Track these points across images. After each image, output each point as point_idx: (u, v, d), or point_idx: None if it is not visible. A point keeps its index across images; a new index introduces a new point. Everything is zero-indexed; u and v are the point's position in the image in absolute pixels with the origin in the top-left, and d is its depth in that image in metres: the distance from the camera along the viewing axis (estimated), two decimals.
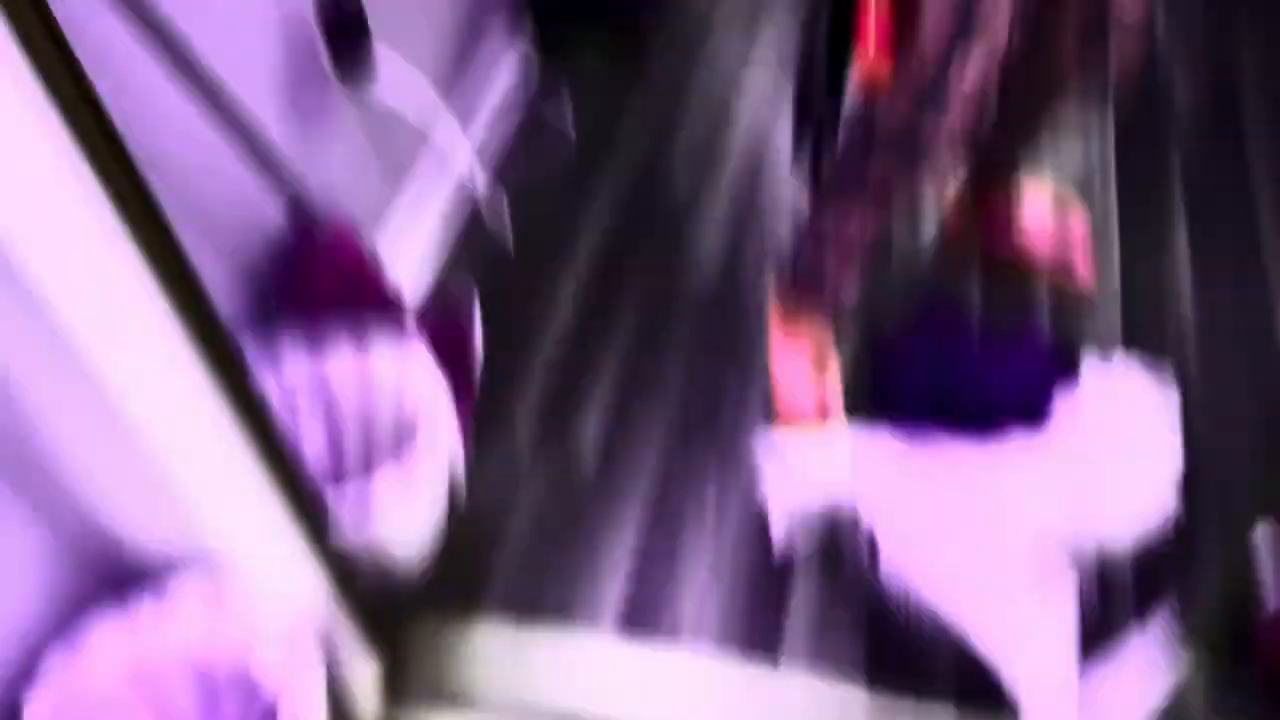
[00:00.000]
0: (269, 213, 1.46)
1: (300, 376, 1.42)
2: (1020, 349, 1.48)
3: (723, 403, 1.68)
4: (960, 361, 1.48)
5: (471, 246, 1.96)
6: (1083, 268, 1.76)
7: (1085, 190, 1.89)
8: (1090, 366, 1.44)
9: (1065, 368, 1.46)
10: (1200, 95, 2.02)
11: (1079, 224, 1.79)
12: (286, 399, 1.41)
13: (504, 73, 2.21)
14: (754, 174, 2.04)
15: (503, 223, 1.96)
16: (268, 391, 1.34)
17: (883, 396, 1.56)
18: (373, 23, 1.59)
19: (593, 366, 1.75)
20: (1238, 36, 2.12)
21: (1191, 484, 1.41)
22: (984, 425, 1.44)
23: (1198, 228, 1.80)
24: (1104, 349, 1.62)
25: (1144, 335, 1.65)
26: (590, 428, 1.67)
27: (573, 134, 2.16)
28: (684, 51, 2.31)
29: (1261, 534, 1.36)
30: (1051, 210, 1.79)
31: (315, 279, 1.43)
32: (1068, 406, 1.43)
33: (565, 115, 2.19)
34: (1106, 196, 1.87)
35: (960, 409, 1.46)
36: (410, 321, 1.54)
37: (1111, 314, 1.69)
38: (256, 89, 1.44)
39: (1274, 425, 1.52)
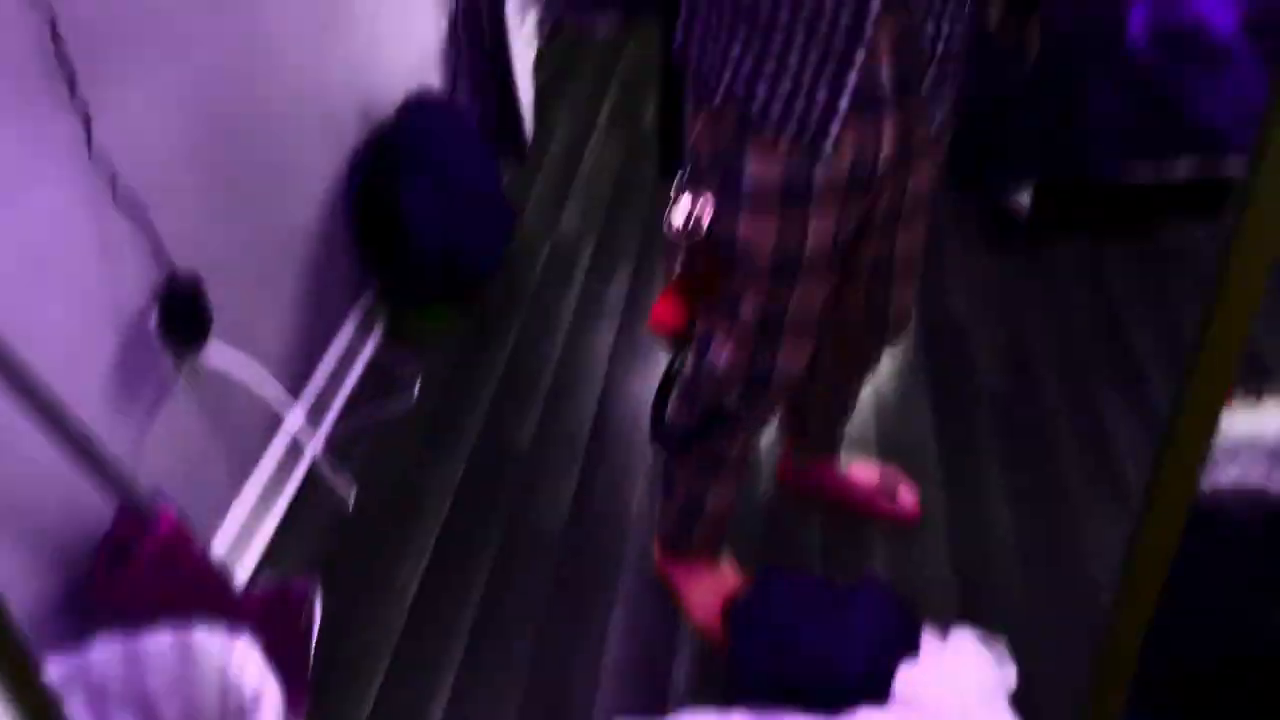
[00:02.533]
0: (91, 505, 1.40)
1: (114, 669, 1.32)
2: (863, 613, 1.51)
3: (572, 685, 1.64)
4: (803, 637, 1.50)
5: (315, 519, 1.92)
6: (911, 508, 1.88)
7: (910, 456, 2.01)
8: (929, 640, 1.48)
9: (906, 634, 1.50)
10: (1002, 372, 2.22)
11: (900, 476, 1.93)
12: (96, 694, 1.30)
13: (354, 349, 2.24)
14: (600, 421, 2.12)
15: (347, 495, 1.94)
16: (73, 687, 1.23)
17: (733, 678, 1.55)
18: (219, 316, 1.61)
19: (440, 645, 1.70)
20: (1029, 320, 2.36)
21: None
22: (831, 703, 1.45)
23: (1010, 482, 1.94)
24: (939, 613, 1.69)
25: (971, 569, 1.73)
26: (435, 714, 1.60)
27: (416, 395, 2.19)
28: (524, 310, 2.42)
29: None
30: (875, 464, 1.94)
31: (139, 572, 1.35)
32: (909, 680, 1.46)
33: (412, 380, 2.22)
34: (927, 460, 1.99)
35: (807, 688, 1.46)
36: (240, 611, 1.46)
37: (942, 567, 1.77)
38: (86, 383, 1.41)
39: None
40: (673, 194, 1.30)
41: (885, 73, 1.18)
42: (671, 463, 1.65)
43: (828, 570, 1.81)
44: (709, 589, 1.73)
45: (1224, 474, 1.28)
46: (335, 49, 2.12)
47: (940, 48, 1.21)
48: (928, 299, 2.42)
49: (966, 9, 1.22)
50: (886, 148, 1.24)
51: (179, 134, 1.58)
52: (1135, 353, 2.25)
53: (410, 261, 2.17)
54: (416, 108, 2.33)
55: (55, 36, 1.28)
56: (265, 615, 1.58)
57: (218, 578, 1.43)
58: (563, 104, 3.45)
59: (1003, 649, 1.48)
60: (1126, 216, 2.62)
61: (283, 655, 1.54)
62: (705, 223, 1.28)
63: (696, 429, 1.52)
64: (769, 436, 2.07)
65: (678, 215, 1.28)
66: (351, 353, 2.24)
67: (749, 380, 1.43)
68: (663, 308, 1.39)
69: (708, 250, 1.31)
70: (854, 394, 1.77)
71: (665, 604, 1.76)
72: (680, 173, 1.32)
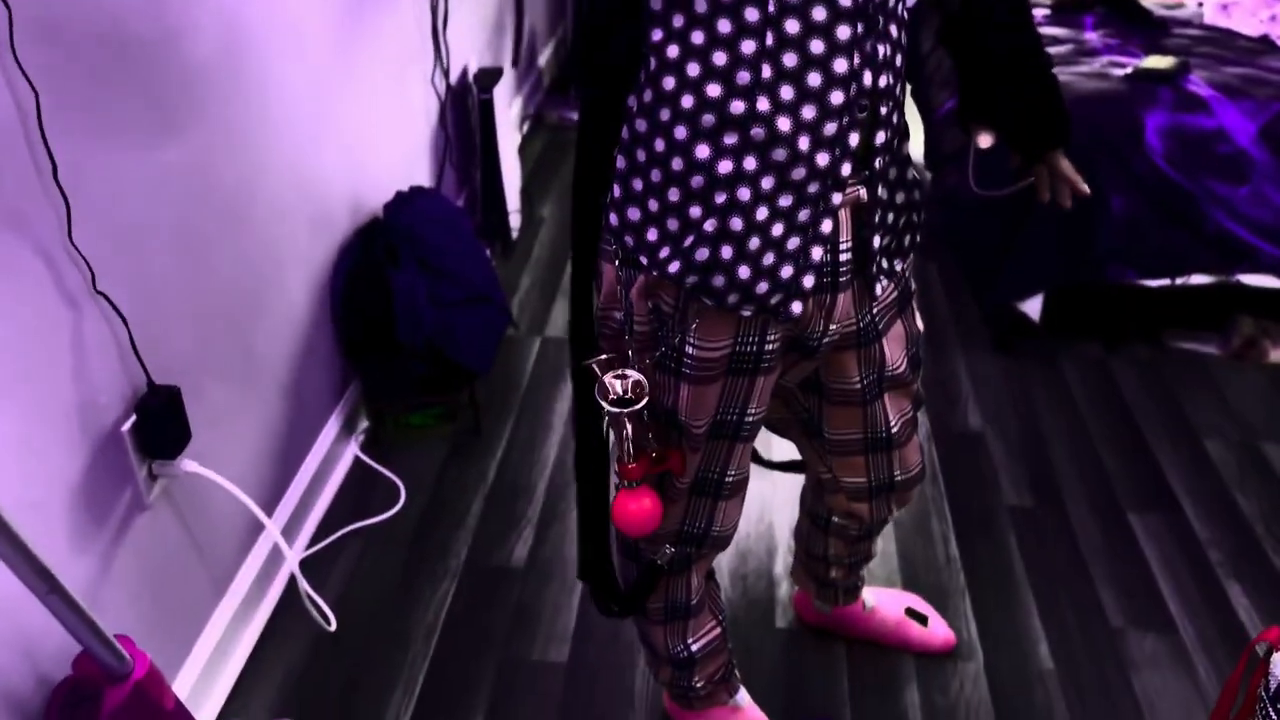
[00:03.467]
0: (47, 644, 1.22)
1: None
2: None
3: None
4: None
5: (293, 642, 1.74)
6: (944, 636, 1.75)
7: (935, 579, 1.88)
8: None
9: None
10: (1025, 487, 2.11)
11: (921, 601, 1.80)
12: None
13: (334, 454, 2.08)
14: None
15: (327, 615, 1.76)
16: None
17: None
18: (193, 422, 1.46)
19: None
20: (1049, 438, 2.27)
21: None
22: None
23: (1044, 610, 1.81)
24: None
25: (1014, 707, 1.59)
26: None
27: (401, 505, 2.03)
28: (514, 413, 2.27)
29: None
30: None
31: None
32: None
33: (396, 488, 2.06)
34: (953, 585, 1.86)
35: None
36: None
37: (983, 703, 1.63)
38: (48, 495, 1.25)
39: None
40: (598, 371, 1.14)
41: (845, 245, 1.10)
42: (642, 623, 1.48)
43: (859, 712, 1.65)
44: None
45: None
46: (326, 144, 2.00)
47: (899, 218, 1.15)
48: (943, 408, 2.32)
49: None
50: (835, 324, 1.15)
51: (159, 225, 1.44)
52: (1159, 471, 2.15)
53: (397, 349, 2.02)
54: (409, 200, 2.21)
55: (39, 115, 1.15)
56: None
57: None
58: (549, 197, 3.37)
59: None
60: (1136, 322, 2.56)
61: None
62: (638, 397, 1.12)
63: (638, 584, 1.36)
64: (783, 565, 1.93)
65: (614, 388, 1.13)
66: (332, 458, 2.08)
67: (682, 537, 1.31)
68: (631, 501, 1.17)
69: (647, 424, 1.19)
70: (874, 545, 1.65)
71: None
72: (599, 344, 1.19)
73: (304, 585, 1.65)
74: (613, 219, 1.10)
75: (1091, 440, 2.24)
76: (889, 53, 1.01)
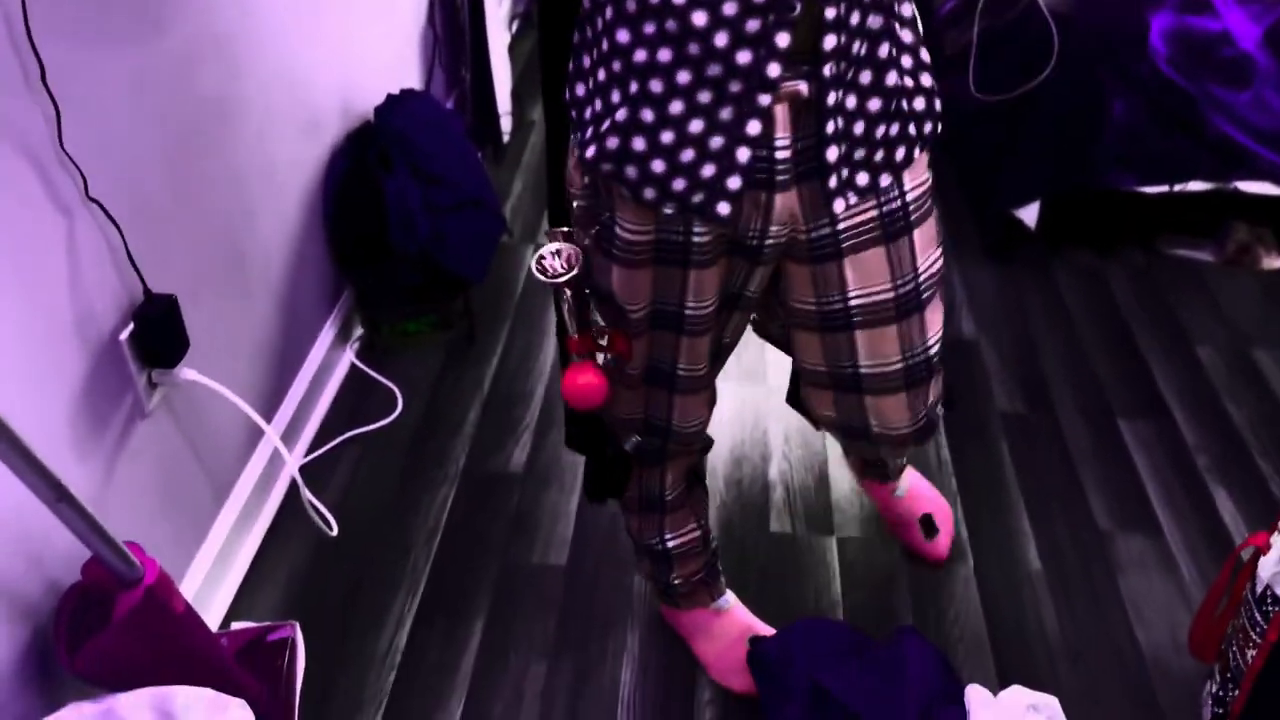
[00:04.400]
0: (56, 550, 1.23)
1: None
2: (909, 669, 1.40)
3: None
4: (844, 695, 1.38)
5: (296, 546, 1.76)
6: (940, 550, 1.77)
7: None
8: (979, 696, 1.37)
9: (953, 692, 1.39)
10: (1018, 395, 2.13)
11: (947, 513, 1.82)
12: None
13: (330, 362, 2.08)
14: None
15: (328, 520, 1.78)
16: None
17: None
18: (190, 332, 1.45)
19: (438, 690, 1.55)
20: (1042, 345, 2.28)
21: None
22: None
23: (1035, 517, 1.84)
24: (973, 667, 1.59)
25: (1003, 616, 1.63)
26: None
27: (399, 411, 2.04)
28: (509, 320, 2.27)
29: None
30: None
31: (116, 627, 1.19)
32: None
33: (393, 395, 2.07)
34: (946, 492, 1.89)
35: None
36: (226, 668, 1.31)
37: (974, 616, 1.67)
38: (51, 405, 1.25)
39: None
40: (546, 238, 1.16)
41: (783, 145, 1.03)
42: (625, 514, 1.53)
43: (851, 612, 1.70)
44: (716, 638, 1.60)
45: None
46: (314, 44, 1.95)
47: (872, 128, 1.06)
48: None
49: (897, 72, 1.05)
50: (776, 224, 1.09)
51: (150, 131, 1.41)
52: (1151, 378, 2.17)
53: (390, 257, 2.01)
54: (400, 103, 2.17)
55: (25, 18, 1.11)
56: (246, 664, 1.42)
57: (203, 633, 1.27)
58: (539, 99, 3.30)
59: (1057, 708, 1.38)
60: (1132, 229, 2.55)
61: (266, 708, 1.39)
62: (574, 272, 1.13)
63: (610, 469, 1.40)
64: (777, 470, 1.96)
65: (551, 262, 1.14)
66: (328, 366, 2.08)
67: (646, 428, 1.32)
68: (577, 375, 1.19)
69: (589, 301, 1.19)
70: (890, 459, 1.65)
71: (681, 643, 1.64)
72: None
73: (305, 490, 1.67)
74: (567, 92, 1.11)
75: (1084, 347, 2.26)
76: None
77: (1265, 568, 1.31)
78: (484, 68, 2.76)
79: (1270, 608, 1.29)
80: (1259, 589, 1.31)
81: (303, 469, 1.93)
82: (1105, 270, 2.50)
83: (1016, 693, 1.38)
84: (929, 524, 1.76)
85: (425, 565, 1.76)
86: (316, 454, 1.97)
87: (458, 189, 2.05)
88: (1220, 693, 1.41)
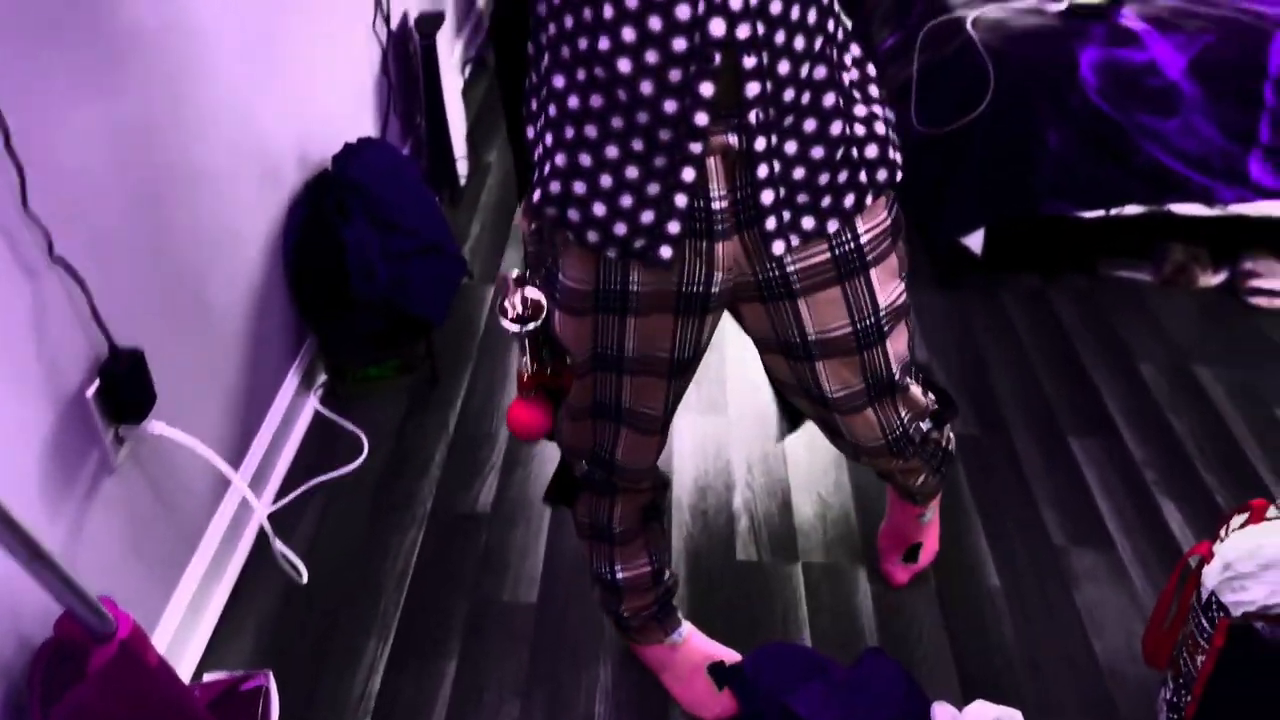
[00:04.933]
0: (28, 606, 1.24)
1: None
2: (876, 691, 1.44)
3: None
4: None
5: (265, 595, 1.77)
6: (899, 576, 1.80)
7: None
8: (944, 713, 1.41)
9: (919, 712, 1.43)
10: (971, 418, 2.19)
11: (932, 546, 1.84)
12: None
13: (295, 409, 2.09)
14: None
15: (298, 566, 1.79)
16: None
17: None
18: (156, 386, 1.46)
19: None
20: (992, 368, 2.35)
21: None
22: None
23: (993, 535, 1.89)
24: (937, 684, 1.63)
25: (966, 633, 1.67)
26: None
27: (365, 456, 2.05)
28: (472, 362, 2.30)
29: None
30: None
31: (90, 683, 1.20)
32: None
33: (359, 440, 2.08)
34: None
35: None
36: (201, 719, 1.31)
37: (937, 632, 1.71)
38: (20, 463, 1.26)
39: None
40: (502, 283, 1.21)
41: (719, 195, 1.06)
42: (580, 539, 1.56)
43: (817, 636, 1.73)
44: (679, 671, 1.62)
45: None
46: (271, 96, 1.98)
47: (815, 174, 1.08)
48: None
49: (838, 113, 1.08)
50: (722, 272, 1.13)
51: (113, 189, 1.43)
52: (1098, 396, 2.24)
53: (352, 305, 2.03)
54: (356, 152, 2.20)
55: None
56: (220, 715, 1.43)
57: (177, 685, 1.28)
58: (494, 142, 3.35)
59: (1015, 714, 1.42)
60: (1073, 253, 2.64)
61: None
62: (528, 314, 1.17)
63: (559, 481, 1.44)
64: (741, 499, 1.99)
65: (509, 306, 1.18)
66: (293, 413, 2.09)
67: (593, 458, 1.36)
68: (518, 409, 1.25)
69: (545, 342, 1.23)
70: (872, 447, 1.66)
71: (652, 676, 1.66)
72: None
73: (274, 538, 1.68)
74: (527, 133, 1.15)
75: (1032, 368, 2.33)
76: (758, 2, 0.96)
77: (1209, 576, 1.37)
78: (439, 113, 2.81)
79: (1215, 614, 1.35)
80: (1204, 596, 1.37)
81: (271, 517, 1.94)
82: (1049, 293, 2.58)
83: (980, 707, 1.43)
84: (914, 552, 1.80)
85: (396, 608, 1.77)
86: (284, 501, 1.98)
87: (416, 235, 2.09)
88: (1174, 699, 1.46)
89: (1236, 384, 2.26)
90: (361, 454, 2.09)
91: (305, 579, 1.80)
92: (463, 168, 2.99)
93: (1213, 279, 2.56)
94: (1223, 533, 1.40)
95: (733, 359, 2.36)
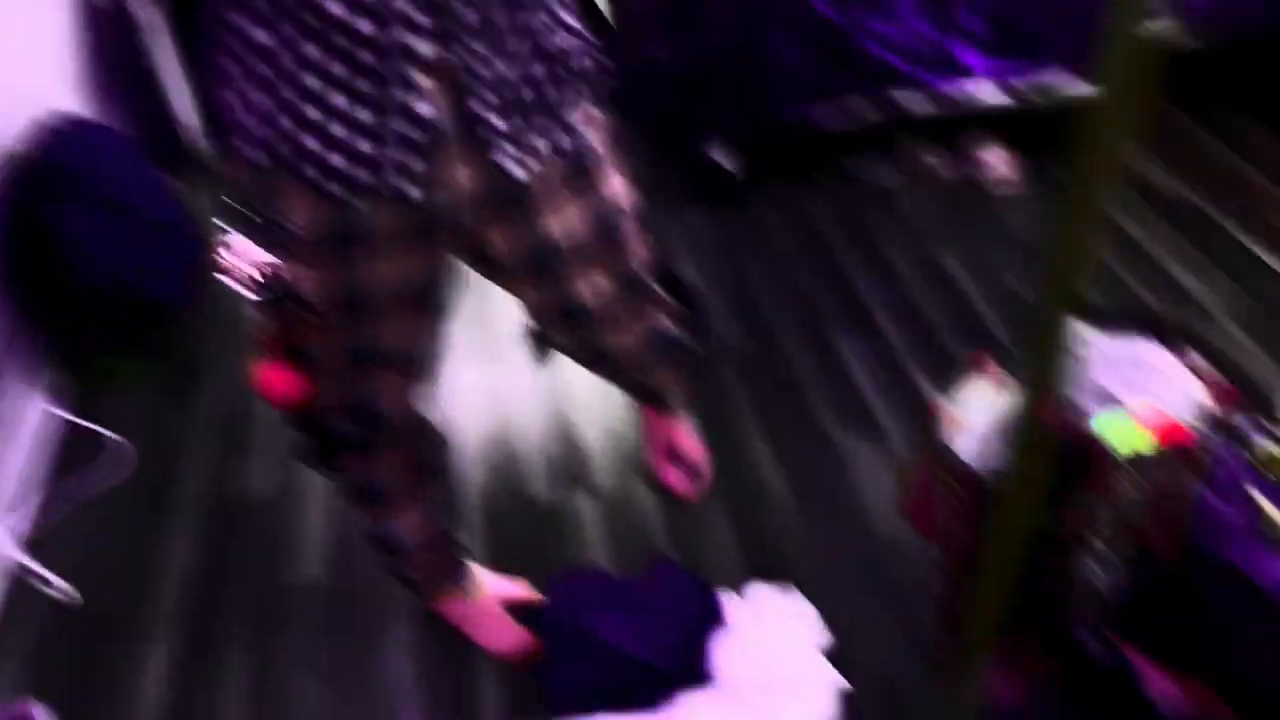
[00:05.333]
0: None
1: None
2: (665, 598, 1.47)
3: None
4: (611, 637, 1.44)
5: (34, 624, 1.64)
6: (683, 485, 1.85)
7: None
8: (732, 607, 1.46)
9: (711, 609, 1.48)
10: (741, 329, 2.26)
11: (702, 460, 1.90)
12: None
13: (38, 422, 1.93)
14: None
15: (66, 589, 1.66)
16: None
17: (548, 695, 1.47)
18: None
19: None
20: (756, 273, 2.42)
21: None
22: (654, 698, 1.41)
23: (771, 435, 1.97)
24: (731, 581, 1.68)
25: (752, 530, 1.74)
26: None
27: (131, 457, 1.92)
28: (229, 343, 2.18)
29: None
30: None
31: None
32: (726, 655, 1.44)
33: (117, 442, 1.95)
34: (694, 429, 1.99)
35: (626, 688, 1.41)
36: None
37: (725, 533, 1.77)
38: None
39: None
40: (217, 245, 1.16)
41: (438, 115, 1.05)
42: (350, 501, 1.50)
43: (615, 557, 1.76)
44: (478, 618, 1.62)
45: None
46: None
47: (521, 92, 1.10)
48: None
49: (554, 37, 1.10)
50: (448, 191, 1.11)
51: None
52: (857, 293, 2.35)
53: (78, 298, 1.88)
54: (64, 131, 2.02)
55: None
56: None
57: None
58: None
59: (799, 598, 1.49)
60: (821, 159, 2.73)
61: None
62: (256, 272, 1.14)
63: (322, 451, 1.37)
64: (530, 441, 1.99)
65: (239, 269, 1.14)
66: (34, 425, 1.93)
67: (354, 412, 1.31)
68: (268, 375, 1.21)
69: (278, 300, 1.18)
70: (632, 355, 1.56)
71: (455, 631, 1.64)
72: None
73: (30, 562, 1.55)
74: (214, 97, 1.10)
75: (793, 273, 2.41)
76: None
77: (959, 442, 1.46)
78: (154, 85, 2.61)
79: (963, 473, 1.44)
80: (954, 460, 1.46)
81: (33, 541, 1.79)
82: (803, 200, 2.67)
83: (763, 590, 1.48)
84: (680, 458, 1.85)
85: (178, 611, 1.68)
86: (44, 522, 1.83)
87: (140, 213, 1.94)
88: (940, 559, 1.56)
89: (976, 263, 2.41)
90: (124, 457, 1.95)
91: (79, 599, 1.68)
92: (201, 135, 2.79)
93: (952, 172, 2.72)
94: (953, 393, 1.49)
95: (499, 303, 2.33)
